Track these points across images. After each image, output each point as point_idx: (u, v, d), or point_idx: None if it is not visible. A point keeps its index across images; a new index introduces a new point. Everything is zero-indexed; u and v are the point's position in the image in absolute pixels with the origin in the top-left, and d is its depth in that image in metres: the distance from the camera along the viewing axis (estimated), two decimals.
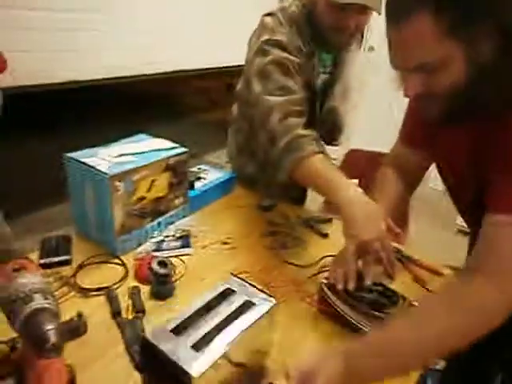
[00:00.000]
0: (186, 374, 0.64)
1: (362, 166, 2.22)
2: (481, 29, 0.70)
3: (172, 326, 0.72)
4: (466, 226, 1.17)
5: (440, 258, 1.32)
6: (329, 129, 1.54)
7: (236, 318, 0.76)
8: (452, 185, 1.05)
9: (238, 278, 0.86)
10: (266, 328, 0.83)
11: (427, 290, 1.14)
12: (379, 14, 1.10)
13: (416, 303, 1.06)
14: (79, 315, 0.94)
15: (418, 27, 0.71)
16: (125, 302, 1.01)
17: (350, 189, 1.02)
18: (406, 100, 0.94)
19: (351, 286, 0.93)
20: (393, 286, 1.03)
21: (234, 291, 0.82)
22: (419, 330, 0.76)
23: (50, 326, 0.61)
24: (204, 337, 0.71)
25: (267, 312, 0.79)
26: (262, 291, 0.83)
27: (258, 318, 0.77)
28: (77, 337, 0.91)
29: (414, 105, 1.03)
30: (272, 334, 0.86)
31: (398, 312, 0.94)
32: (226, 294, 0.81)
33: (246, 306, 0.79)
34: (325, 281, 1.01)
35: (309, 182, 1.18)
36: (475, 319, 0.75)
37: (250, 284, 0.85)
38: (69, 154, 1.19)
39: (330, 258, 1.23)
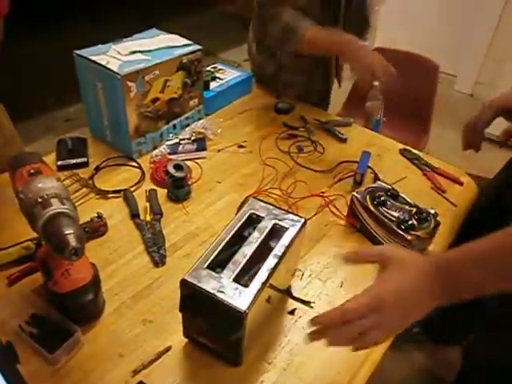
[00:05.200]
0: (236, 310, 0.64)
1: None
2: None
3: (208, 262, 0.70)
4: (490, 133, 1.10)
5: (460, 165, 1.29)
6: (357, 25, 1.44)
7: (270, 244, 0.75)
8: None
9: (260, 200, 0.84)
10: (297, 247, 0.82)
11: (446, 198, 1.13)
12: None
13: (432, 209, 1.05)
14: (99, 216, 0.97)
15: None
16: (142, 205, 1.03)
17: (353, 41, 1.22)
18: None
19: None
20: (410, 194, 1.02)
21: (260, 216, 0.79)
22: None
23: (69, 231, 0.63)
24: (243, 269, 0.70)
25: (298, 232, 0.78)
26: (287, 212, 0.81)
27: (292, 241, 0.75)
28: (97, 237, 0.94)
29: None
30: (300, 252, 0.88)
31: (424, 233, 0.92)
32: (253, 220, 0.79)
33: (276, 230, 0.77)
34: (356, 194, 1.00)
35: (320, 50, 1.34)
36: None
37: (273, 206, 0.82)
38: (78, 52, 1.13)
39: (348, 163, 1.22)
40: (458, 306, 0.66)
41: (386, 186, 1.02)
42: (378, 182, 1.05)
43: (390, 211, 0.95)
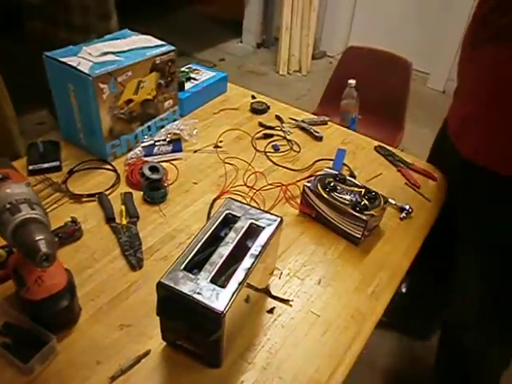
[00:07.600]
0: (214, 311, 0.63)
1: (360, 63, 2.12)
2: None
3: (184, 263, 0.69)
4: None
5: None
6: None
7: (247, 244, 0.74)
8: None
9: (236, 200, 0.83)
10: (274, 246, 0.83)
11: (420, 194, 1.15)
12: None
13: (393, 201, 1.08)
14: (73, 220, 0.95)
15: None
16: (118, 208, 1.02)
17: None
18: None
19: None
20: (385, 190, 1.04)
21: (236, 216, 0.79)
22: None
23: (39, 237, 0.61)
24: (220, 269, 0.69)
25: (275, 231, 0.77)
26: (264, 211, 0.81)
27: (268, 240, 0.75)
28: (72, 242, 0.93)
29: None
30: (277, 251, 0.88)
31: (377, 211, 0.96)
32: (229, 221, 0.79)
33: (253, 229, 0.77)
34: (307, 183, 1.02)
35: None
36: None
37: (249, 205, 0.82)
38: (48, 53, 1.10)
39: (324, 161, 1.23)
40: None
41: (333, 171, 1.06)
42: (325, 169, 1.07)
43: (341, 195, 0.98)
